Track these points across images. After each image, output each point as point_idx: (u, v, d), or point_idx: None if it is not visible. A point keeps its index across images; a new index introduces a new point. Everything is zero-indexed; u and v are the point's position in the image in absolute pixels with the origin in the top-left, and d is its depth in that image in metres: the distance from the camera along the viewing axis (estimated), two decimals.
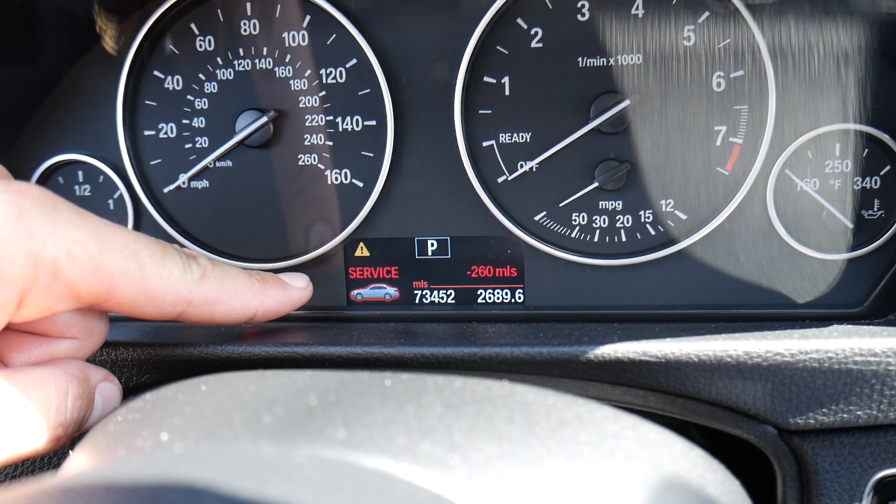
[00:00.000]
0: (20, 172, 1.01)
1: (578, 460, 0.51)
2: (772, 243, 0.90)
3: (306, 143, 0.97)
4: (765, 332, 0.79)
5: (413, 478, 0.44)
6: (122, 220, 1.01)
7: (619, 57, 0.90)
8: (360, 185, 0.97)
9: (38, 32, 0.98)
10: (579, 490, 0.49)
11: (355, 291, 0.99)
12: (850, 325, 0.82)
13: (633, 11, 0.89)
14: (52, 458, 0.87)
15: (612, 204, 0.93)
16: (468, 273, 0.97)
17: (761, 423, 0.76)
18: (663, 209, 0.92)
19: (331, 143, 0.97)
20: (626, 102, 0.89)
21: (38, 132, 1.01)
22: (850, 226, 0.89)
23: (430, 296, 0.98)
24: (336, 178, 0.97)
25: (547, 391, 0.58)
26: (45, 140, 1.01)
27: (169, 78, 0.98)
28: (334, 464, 0.44)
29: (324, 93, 0.96)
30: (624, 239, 0.93)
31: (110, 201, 1.02)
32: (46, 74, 1.00)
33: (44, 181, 1.02)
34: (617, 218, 0.93)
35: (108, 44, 0.99)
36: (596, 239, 0.94)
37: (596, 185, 0.91)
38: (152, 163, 1.00)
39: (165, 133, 0.99)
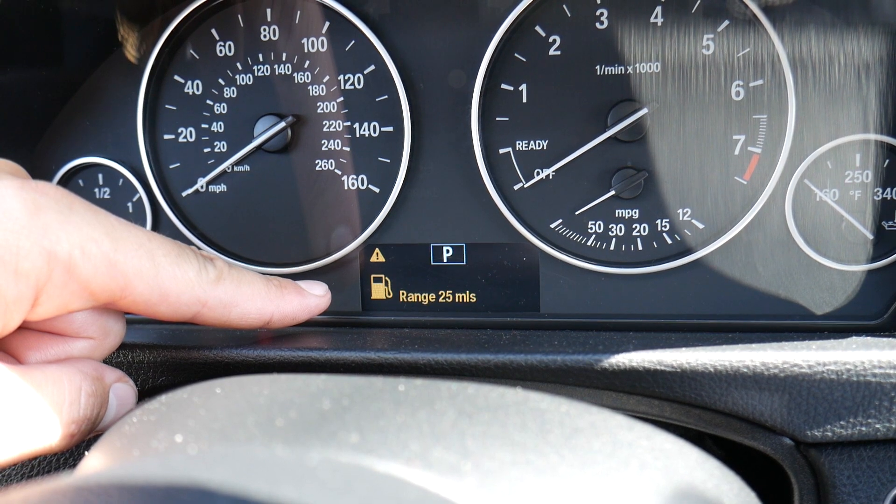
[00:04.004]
0: (41, 174, 1.03)
1: (592, 469, 0.50)
2: (790, 254, 0.90)
3: (324, 148, 0.97)
4: (782, 343, 0.78)
5: (425, 483, 0.44)
6: (140, 224, 1.02)
7: (637, 65, 0.89)
8: (377, 190, 0.97)
9: (60, 36, 0.99)
10: (592, 499, 0.48)
11: (370, 297, 0.99)
12: (868, 338, 0.81)
13: (652, 20, 0.88)
14: (67, 459, 0.88)
15: (628, 212, 0.92)
16: (483, 280, 0.97)
17: (778, 434, 0.75)
18: (680, 218, 0.91)
19: (348, 149, 0.97)
20: (644, 111, 0.88)
21: (60, 135, 1.03)
22: (870, 237, 0.88)
23: (445, 302, 0.98)
24: (353, 184, 0.97)
25: (560, 399, 0.57)
26: (66, 143, 1.03)
27: (189, 83, 0.99)
28: (347, 467, 0.44)
29: (342, 98, 0.96)
30: (640, 248, 0.93)
31: (129, 204, 1.03)
32: (68, 78, 1.01)
33: (64, 183, 1.03)
34: (633, 226, 0.93)
35: (130, 49, 1.00)
36: (612, 247, 0.94)
37: (612, 193, 0.91)
38: (171, 167, 1.01)
39: (185, 137, 1.00)
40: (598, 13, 0.90)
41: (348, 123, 0.96)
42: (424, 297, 0.98)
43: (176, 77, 0.99)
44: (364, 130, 0.96)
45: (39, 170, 1.03)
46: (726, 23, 0.87)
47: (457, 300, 0.98)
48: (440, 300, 0.98)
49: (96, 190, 1.03)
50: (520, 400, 0.56)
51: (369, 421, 0.51)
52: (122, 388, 0.73)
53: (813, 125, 0.87)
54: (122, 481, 0.40)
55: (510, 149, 0.94)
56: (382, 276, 0.99)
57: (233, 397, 0.57)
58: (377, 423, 0.50)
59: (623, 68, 0.90)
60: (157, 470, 0.42)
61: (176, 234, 1.01)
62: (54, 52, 1.00)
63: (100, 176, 1.03)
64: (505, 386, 0.59)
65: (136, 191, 1.02)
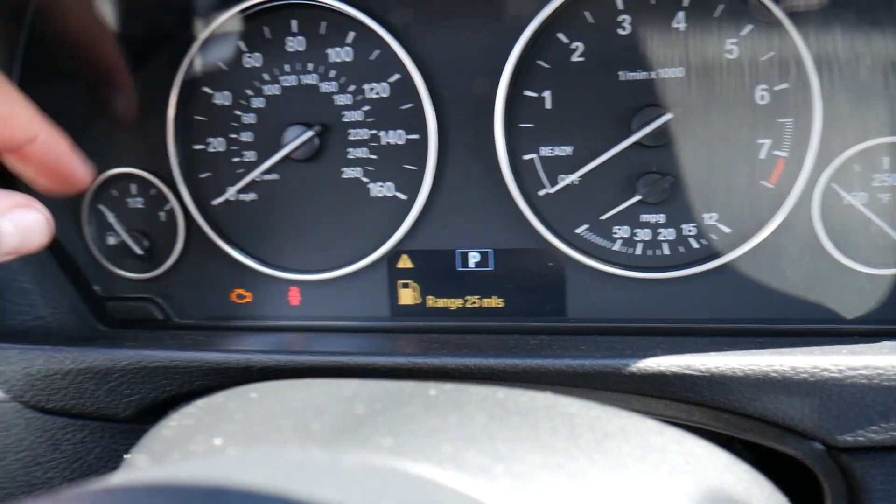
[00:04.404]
0: None
1: (622, 473, 0.51)
2: (819, 258, 0.89)
3: (350, 156, 0.99)
4: (812, 348, 0.78)
5: (457, 485, 0.44)
6: (172, 232, 1.04)
7: (660, 70, 0.90)
8: (404, 197, 0.98)
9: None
10: (622, 502, 0.49)
11: (398, 303, 1.00)
12: None
13: (675, 25, 0.89)
14: (107, 462, 0.90)
15: (654, 217, 0.93)
16: (510, 285, 0.97)
17: (808, 439, 0.75)
18: (706, 222, 0.91)
19: (374, 157, 0.98)
20: (668, 116, 0.89)
21: (95, 147, 1.05)
22: None
23: (473, 308, 0.99)
24: (379, 191, 0.99)
25: (590, 403, 0.58)
26: (100, 154, 1.04)
27: (218, 94, 1.01)
28: (381, 470, 0.44)
29: (368, 107, 0.97)
30: (667, 252, 0.93)
31: (161, 213, 1.05)
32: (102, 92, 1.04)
33: (100, 193, 1.05)
34: (659, 231, 0.93)
35: (160, 62, 1.02)
36: (638, 252, 0.94)
37: (638, 198, 0.91)
38: (202, 176, 1.03)
39: (214, 147, 1.02)
40: (620, 19, 0.90)
41: (374, 132, 0.98)
42: (452, 303, 0.99)
43: (205, 89, 1.01)
44: (390, 138, 0.98)
45: None
46: (749, 27, 0.87)
47: (484, 305, 0.98)
48: (467, 305, 0.99)
49: (129, 200, 1.05)
50: (549, 404, 0.57)
51: (402, 425, 0.52)
52: (27, 219, 0.69)
53: (840, 128, 0.87)
54: (163, 481, 0.41)
55: (535, 155, 0.94)
56: (410, 281, 1.00)
57: (268, 401, 0.58)
58: (410, 427, 0.51)
59: (646, 73, 0.90)
60: (196, 471, 0.44)
61: (207, 242, 1.03)
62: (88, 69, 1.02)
63: (133, 186, 1.05)
64: (534, 390, 0.59)
65: (167, 200, 1.04)
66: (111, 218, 1.05)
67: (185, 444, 0.54)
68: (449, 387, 0.59)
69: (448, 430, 0.52)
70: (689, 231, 0.92)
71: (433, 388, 0.59)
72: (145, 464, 0.54)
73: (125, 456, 0.62)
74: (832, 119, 0.87)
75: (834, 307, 0.89)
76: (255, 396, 0.60)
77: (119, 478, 0.46)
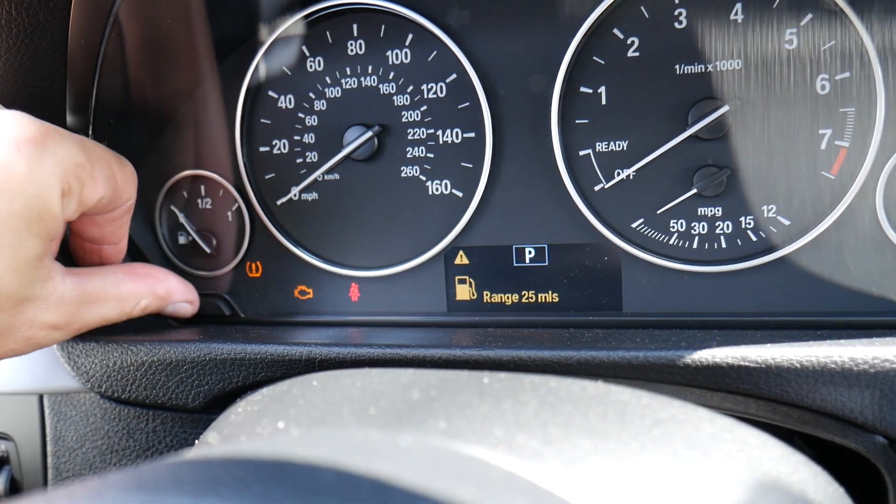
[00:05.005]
0: (151, 186, 1.11)
1: (673, 458, 0.52)
2: (883, 250, 0.87)
3: (409, 155, 1.01)
4: (872, 339, 0.76)
5: (509, 467, 0.46)
6: (239, 231, 1.09)
7: (717, 63, 0.89)
8: (460, 195, 1.00)
9: (164, 62, 1.07)
10: (674, 487, 0.49)
11: (455, 298, 1.02)
12: None
13: (732, 17, 0.88)
14: (178, 450, 0.94)
15: (711, 210, 0.92)
16: (565, 280, 0.98)
17: (870, 432, 0.74)
18: (765, 215, 0.90)
19: (432, 156, 1.00)
20: (726, 108, 0.88)
21: (167, 151, 1.10)
22: None
23: (528, 303, 1.00)
24: (437, 189, 1.01)
25: (641, 392, 0.59)
26: (172, 158, 1.10)
27: (282, 97, 1.05)
28: (434, 450, 0.46)
29: (425, 107, 1.00)
30: (724, 245, 0.92)
31: (229, 213, 1.09)
32: (172, 99, 1.09)
33: (171, 195, 1.11)
34: (716, 224, 0.92)
35: (227, 69, 1.07)
36: (695, 245, 0.93)
37: (694, 191, 0.91)
38: (267, 177, 1.07)
39: (278, 149, 1.06)
40: (676, 13, 0.90)
41: (432, 131, 1.00)
42: (508, 298, 1.00)
43: (270, 93, 1.05)
44: (447, 137, 1.00)
45: (150, 182, 1.11)
46: (810, 16, 0.86)
47: (539, 300, 0.99)
48: (523, 300, 1.00)
49: (199, 200, 1.10)
50: (601, 392, 0.58)
51: (456, 410, 0.53)
52: (182, 307, 0.99)
53: None
54: (233, 455, 0.44)
55: (590, 150, 0.95)
56: (466, 277, 1.02)
57: (329, 389, 0.61)
58: (463, 412, 0.53)
59: (703, 66, 0.90)
60: (263, 448, 0.46)
61: (271, 241, 1.07)
62: (160, 77, 1.07)
63: (202, 187, 1.10)
64: (587, 380, 0.60)
65: (235, 200, 1.08)
66: (182, 218, 1.11)
67: (251, 427, 0.57)
68: (502, 375, 0.61)
69: (501, 415, 0.53)
70: (747, 224, 0.91)
71: (487, 377, 0.60)
72: (215, 443, 0.58)
73: (196, 442, 0.65)
74: None
75: None
76: (316, 384, 0.63)
77: (192, 452, 0.49)
